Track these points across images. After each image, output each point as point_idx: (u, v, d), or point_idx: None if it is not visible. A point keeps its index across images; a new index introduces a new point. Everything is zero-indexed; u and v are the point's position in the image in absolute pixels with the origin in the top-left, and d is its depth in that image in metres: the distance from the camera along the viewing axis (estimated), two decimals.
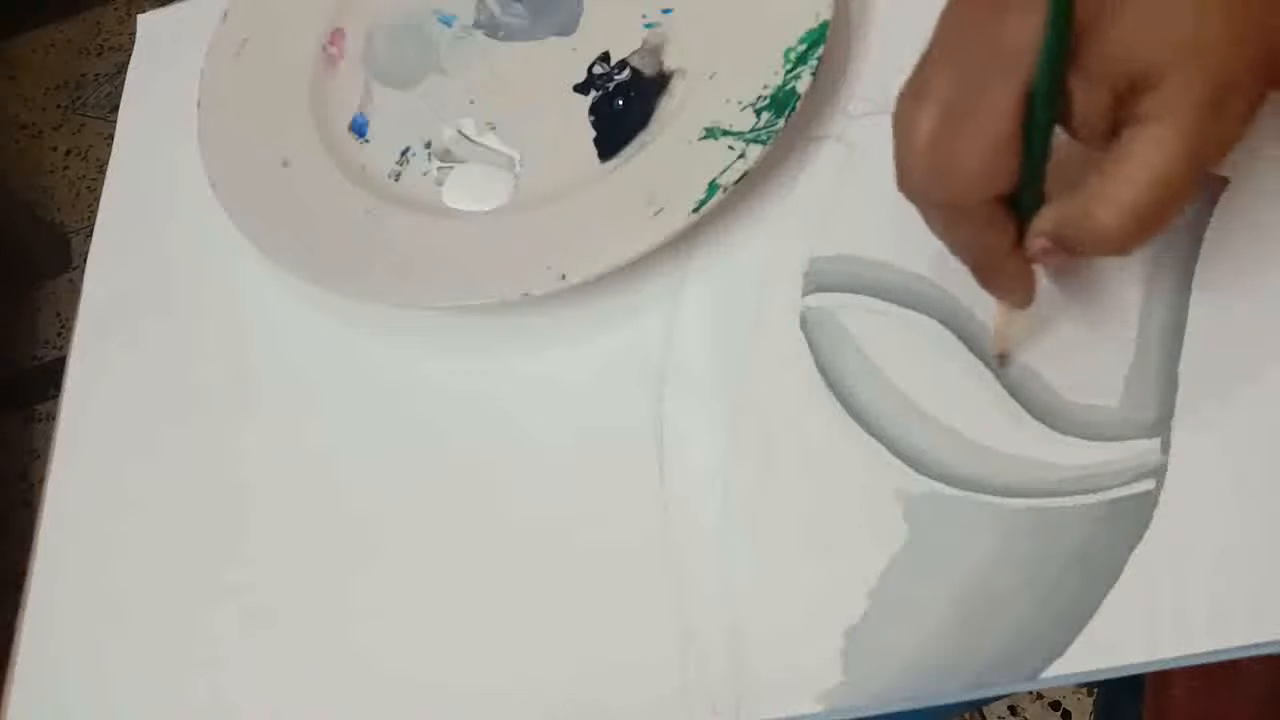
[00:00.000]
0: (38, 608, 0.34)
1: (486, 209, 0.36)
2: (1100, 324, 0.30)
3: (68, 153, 1.46)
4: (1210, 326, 0.29)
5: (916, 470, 0.29)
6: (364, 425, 0.34)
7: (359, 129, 0.40)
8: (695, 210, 0.32)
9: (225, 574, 0.33)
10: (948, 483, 0.29)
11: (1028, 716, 0.84)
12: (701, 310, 0.33)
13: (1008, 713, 0.84)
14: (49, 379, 1.25)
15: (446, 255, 0.34)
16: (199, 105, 0.40)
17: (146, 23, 0.48)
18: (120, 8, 1.56)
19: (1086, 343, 0.30)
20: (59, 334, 1.29)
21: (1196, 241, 0.30)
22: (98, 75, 1.49)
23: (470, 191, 0.37)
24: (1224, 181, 0.31)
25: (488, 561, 0.31)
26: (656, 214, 0.33)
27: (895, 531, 0.28)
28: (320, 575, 0.32)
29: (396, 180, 0.38)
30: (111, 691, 0.32)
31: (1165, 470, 0.28)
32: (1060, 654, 0.26)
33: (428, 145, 0.38)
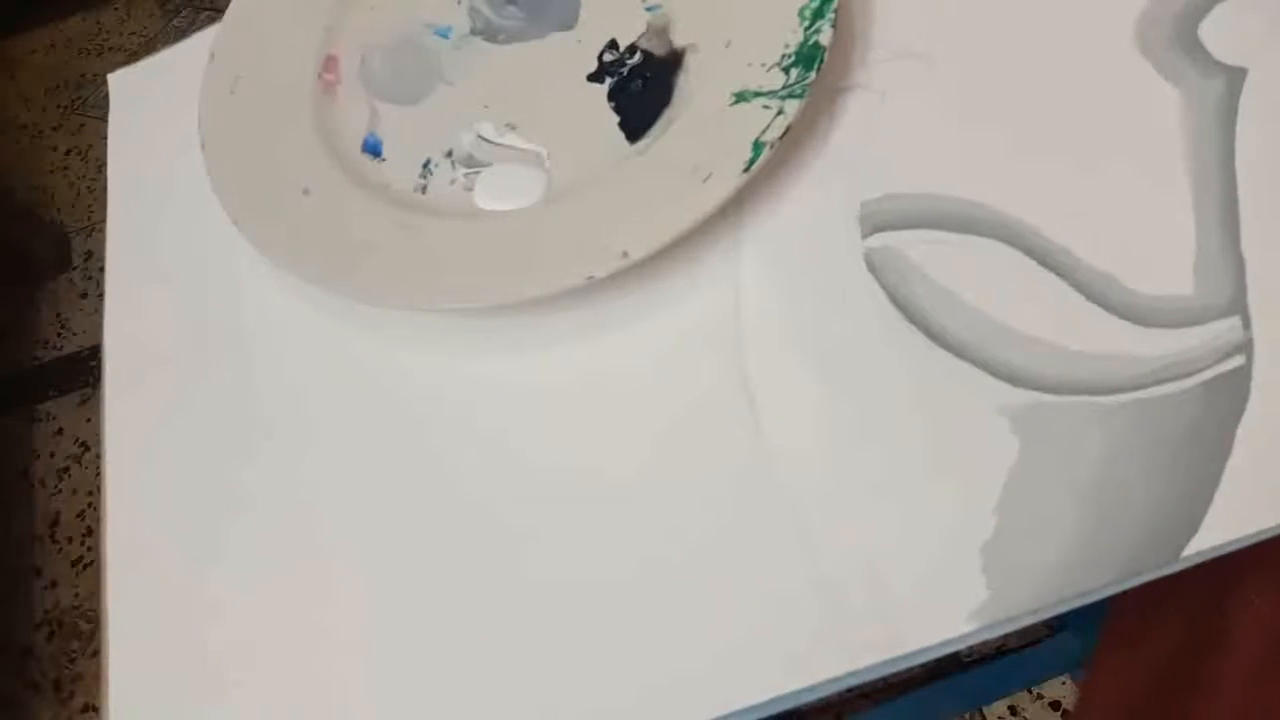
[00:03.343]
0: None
1: (524, 205, 0.36)
2: (1158, 220, 0.31)
3: (68, 152, 1.46)
4: (1261, 202, 0.30)
5: (1013, 384, 0.30)
6: (422, 433, 0.33)
7: (373, 149, 0.39)
8: (746, 170, 0.32)
9: (215, 585, 0.32)
10: (1046, 390, 0.29)
11: (1028, 716, 0.85)
12: (764, 270, 0.33)
13: (1008, 712, 0.85)
14: (49, 379, 1.26)
15: (496, 254, 0.34)
16: (203, 147, 0.39)
17: (118, 81, 0.46)
18: (120, 8, 1.57)
19: (1148, 239, 0.31)
20: (59, 334, 1.30)
21: (1230, 128, 0.32)
22: (98, 75, 1.49)
23: (503, 191, 0.36)
24: (1242, 72, 0.33)
25: (606, 537, 0.30)
26: (706, 180, 0.33)
27: (1007, 446, 0.29)
28: (373, 589, 0.31)
29: (423, 193, 0.37)
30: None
31: (1252, 344, 0.29)
32: (1195, 533, 0.27)
33: (449, 154, 0.38)
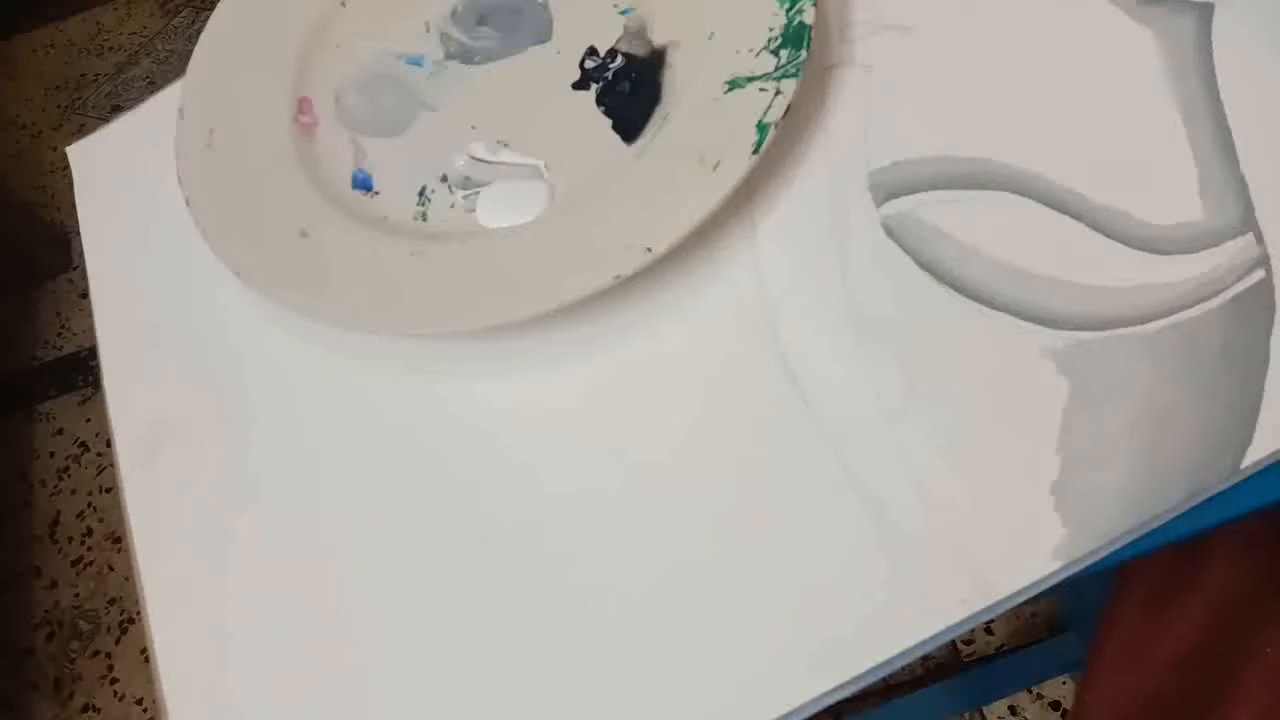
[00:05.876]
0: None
1: (531, 218, 0.35)
2: (1156, 154, 0.32)
3: None
4: (1251, 124, 0.32)
5: (1052, 327, 0.30)
6: (450, 464, 0.33)
7: (363, 184, 0.38)
8: (755, 152, 0.33)
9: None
10: (1084, 328, 0.30)
11: (1028, 716, 0.86)
12: (784, 251, 0.34)
13: (1008, 712, 0.86)
14: (49, 379, 1.27)
15: (514, 268, 0.34)
16: (188, 202, 0.38)
17: (77, 153, 0.45)
18: (120, 8, 1.57)
19: (1151, 173, 0.32)
20: (59, 334, 1.31)
21: (1207, 59, 0.33)
22: (98, 75, 1.49)
23: (506, 207, 0.36)
24: (1209, 6, 0.34)
25: (669, 499, 0.30)
26: (716, 167, 0.33)
27: (1056, 387, 0.29)
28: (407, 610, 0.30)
29: (424, 220, 0.37)
30: None
31: (1269, 257, 0.30)
32: (1249, 443, 0.27)
33: (444, 179, 0.37)
